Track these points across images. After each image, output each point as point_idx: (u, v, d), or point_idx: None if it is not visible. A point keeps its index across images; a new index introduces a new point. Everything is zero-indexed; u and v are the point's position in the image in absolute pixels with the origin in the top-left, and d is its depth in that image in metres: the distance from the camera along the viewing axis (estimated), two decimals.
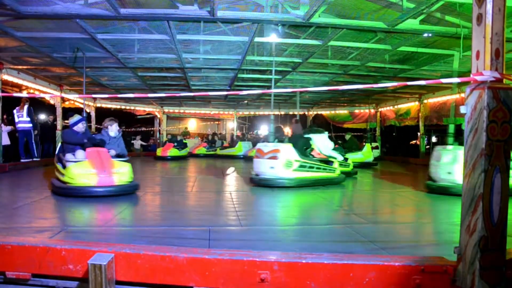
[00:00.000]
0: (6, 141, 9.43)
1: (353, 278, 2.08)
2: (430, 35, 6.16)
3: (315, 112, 18.88)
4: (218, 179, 7.83)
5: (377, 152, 14.21)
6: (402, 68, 8.94)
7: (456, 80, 2.29)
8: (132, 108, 17.37)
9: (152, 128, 19.90)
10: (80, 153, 5.51)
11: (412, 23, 5.56)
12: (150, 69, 9.57)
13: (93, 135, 6.09)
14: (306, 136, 7.34)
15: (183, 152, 14.47)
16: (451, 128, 6.28)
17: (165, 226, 3.69)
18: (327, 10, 5.46)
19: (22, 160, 9.60)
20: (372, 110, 16.66)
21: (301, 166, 6.36)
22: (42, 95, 10.57)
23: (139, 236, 3.27)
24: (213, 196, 5.86)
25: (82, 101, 14.19)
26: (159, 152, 13.88)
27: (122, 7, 5.21)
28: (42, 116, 14.70)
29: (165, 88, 12.72)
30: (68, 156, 5.47)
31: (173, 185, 7.12)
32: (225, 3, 5.31)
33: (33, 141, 9.73)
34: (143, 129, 19.08)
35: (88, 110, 15.03)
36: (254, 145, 15.33)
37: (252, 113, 20.37)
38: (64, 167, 5.35)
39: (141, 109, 17.78)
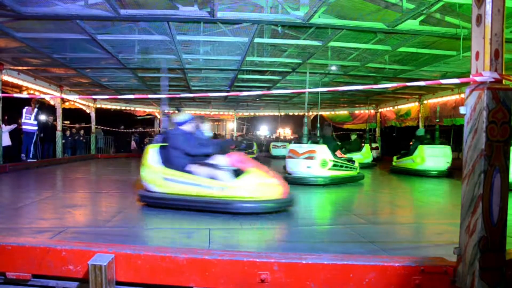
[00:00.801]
0: (7, 141, 9.43)
1: (353, 279, 2.08)
2: None
3: (315, 113, 18.86)
4: None
5: (377, 153, 14.22)
6: (402, 69, 8.93)
7: (455, 81, 2.30)
8: (132, 108, 17.37)
9: (152, 129, 19.90)
10: (221, 158, 4.47)
11: (412, 24, 5.56)
12: (150, 69, 9.57)
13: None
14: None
15: None
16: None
17: (165, 226, 3.70)
18: (327, 11, 5.46)
19: (29, 160, 9.90)
20: (372, 111, 16.67)
21: (334, 165, 7.03)
22: (42, 95, 10.57)
23: (139, 236, 3.27)
24: None
25: (82, 101, 14.25)
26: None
27: (122, 8, 5.21)
28: (42, 117, 14.71)
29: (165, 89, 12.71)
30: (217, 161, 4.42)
31: None
32: (225, 4, 5.31)
33: (33, 143, 9.97)
34: (140, 129, 18.87)
35: (88, 111, 15.06)
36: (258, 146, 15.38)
37: (252, 114, 20.36)
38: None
39: (141, 109, 17.78)
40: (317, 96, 11.52)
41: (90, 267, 2.08)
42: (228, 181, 4.12)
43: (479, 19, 1.97)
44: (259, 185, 4.11)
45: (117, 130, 17.36)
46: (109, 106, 16.13)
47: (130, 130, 18.78)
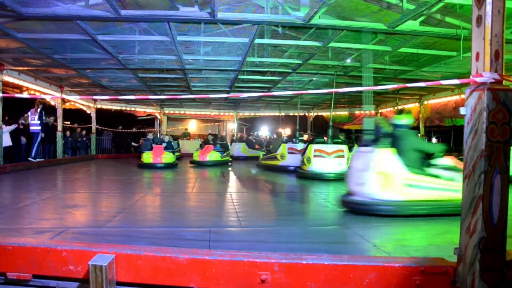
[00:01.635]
0: (7, 142, 9.45)
1: (353, 279, 2.08)
2: None
3: (315, 114, 18.88)
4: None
5: None
6: (402, 70, 8.93)
7: (456, 81, 2.30)
8: (133, 109, 17.36)
9: (152, 129, 19.90)
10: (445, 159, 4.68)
11: (412, 25, 5.56)
12: (150, 70, 9.58)
13: None
14: None
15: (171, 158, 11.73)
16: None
17: (166, 227, 3.70)
18: (327, 11, 5.46)
19: (38, 160, 10.24)
20: (373, 111, 16.66)
21: None
22: (42, 96, 10.58)
23: (140, 237, 3.27)
24: (213, 197, 5.86)
25: (83, 102, 14.26)
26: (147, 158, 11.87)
27: (122, 8, 5.22)
28: (45, 117, 14.72)
29: (166, 89, 12.71)
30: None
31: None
32: (226, 5, 5.31)
33: (37, 143, 10.18)
34: (134, 130, 18.61)
35: (89, 112, 15.06)
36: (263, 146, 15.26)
37: (252, 114, 20.36)
38: None
39: (142, 110, 17.77)
40: (318, 96, 11.54)
41: (90, 267, 2.08)
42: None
43: (479, 20, 1.97)
44: None
45: (116, 130, 17.34)
46: (109, 107, 16.13)
47: (129, 131, 18.79)
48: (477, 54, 2.00)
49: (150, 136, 12.86)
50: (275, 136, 12.75)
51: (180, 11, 5.26)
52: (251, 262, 2.12)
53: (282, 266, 2.11)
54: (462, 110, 2.05)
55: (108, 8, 5.03)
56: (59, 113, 12.09)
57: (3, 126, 9.13)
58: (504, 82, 1.98)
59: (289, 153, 10.10)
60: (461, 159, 5.54)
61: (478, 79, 1.96)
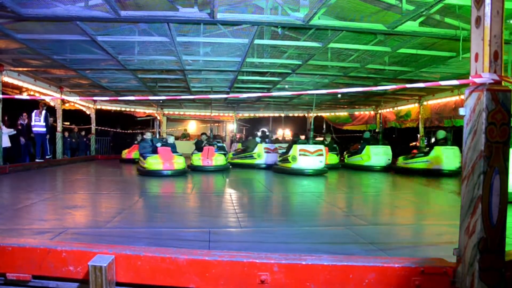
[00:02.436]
0: (6, 143, 9.45)
1: (352, 280, 2.08)
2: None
3: (315, 114, 18.88)
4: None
5: None
6: (402, 70, 8.94)
7: (455, 82, 2.30)
8: (132, 110, 17.36)
9: (150, 129, 19.89)
10: None
11: (411, 25, 5.56)
12: (150, 71, 9.58)
13: None
14: None
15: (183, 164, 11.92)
16: None
17: (166, 227, 3.70)
18: (327, 12, 5.47)
19: (47, 157, 10.83)
20: (372, 112, 16.68)
21: None
22: (42, 97, 10.59)
23: (140, 237, 3.27)
24: (213, 197, 5.86)
25: (82, 103, 14.25)
26: (124, 154, 12.64)
27: (122, 9, 5.22)
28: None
29: (165, 90, 12.71)
30: None
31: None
32: (225, 5, 5.32)
33: (47, 143, 10.79)
34: (130, 131, 18.54)
35: (88, 112, 15.07)
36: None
37: (252, 115, 20.35)
38: None
39: (141, 111, 17.77)
40: (317, 97, 11.67)
41: (90, 268, 2.08)
42: None
43: (479, 20, 1.98)
44: None
45: (114, 130, 17.35)
46: (109, 107, 16.13)
47: (128, 131, 18.78)
48: (476, 55, 2.00)
49: (148, 136, 10.81)
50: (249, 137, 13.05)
51: (180, 12, 5.26)
52: (250, 262, 2.13)
53: (282, 266, 2.11)
54: (461, 111, 2.05)
55: (108, 9, 5.03)
56: (59, 114, 12.09)
57: (3, 128, 9.14)
58: (503, 83, 1.98)
59: (265, 152, 11.49)
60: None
61: (477, 80, 1.96)
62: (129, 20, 5.66)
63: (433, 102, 12.75)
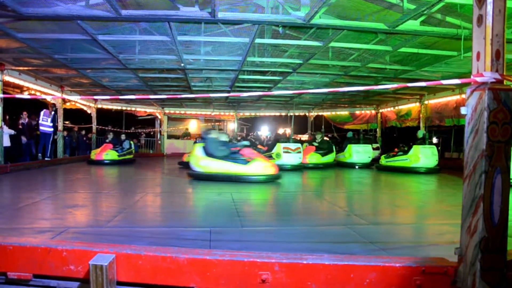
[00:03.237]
0: (6, 142, 9.47)
1: (353, 279, 2.08)
2: None
3: (316, 113, 18.88)
4: None
5: (377, 153, 14.24)
6: (403, 69, 8.93)
7: (456, 81, 2.30)
8: (133, 109, 17.38)
9: (153, 130, 19.90)
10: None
11: (412, 24, 5.55)
12: (151, 70, 9.58)
13: None
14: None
15: (126, 156, 12.40)
16: None
17: (166, 226, 3.70)
18: (328, 11, 5.46)
19: (46, 159, 10.90)
20: (373, 111, 16.66)
21: None
22: (43, 96, 10.60)
23: (140, 236, 3.27)
24: (214, 197, 5.86)
25: (83, 102, 14.26)
26: (93, 154, 11.95)
27: (123, 8, 5.22)
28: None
29: (166, 89, 12.72)
30: None
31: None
32: (226, 5, 5.32)
33: (50, 144, 11.00)
34: (124, 129, 18.40)
35: (89, 112, 15.08)
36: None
37: (253, 114, 20.36)
38: None
39: (142, 110, 17.78)
40: (318, 96, 11.73)
41: (91, 267, 2.08)
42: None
43: (480, 19, 1.97)
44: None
45: (115, 130, 17.34)
46: (110, 107, 16.13)
47: (128, 131, 18.75)
48: (478, 54, 1.99)
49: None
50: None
51: (181, 11, 5.25)
52: (251, 262, 2.12)
53: (283, 266, 2.11)
54: (463, 110, 2.04)
55: (109, 8, 5.03)
56: (60, 113, 12.09)
57: (5, 128, 9.15)
58: (505, 82, 1.97)
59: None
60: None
61: (479, 79, 1.95)
62: (130, 19, 5.66)
63: (434, 101, 12.74)
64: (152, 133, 20.59)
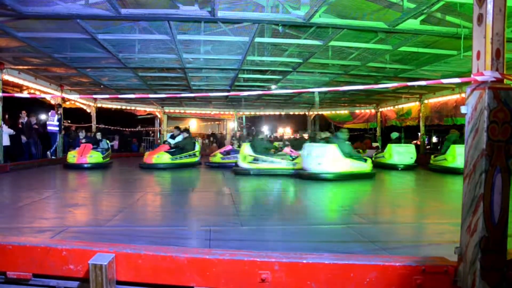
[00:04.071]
0: (6, 142, 9.46)
1: (353, 278, 2.08)
2: None
3: (315, 112, 18.88)
4: None
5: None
6: (403, 68, 8.93)
7: (456, 80, 2.29)
8: (133, 108, 17.35)
9: (152, 129, 19.89)
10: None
11: (412, 23, 5.55)
12: (150, 69, 9.57)
13: None
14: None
15: (107, 158, 10.56)
16: None
17: (166, 226, 3.70)
18: (327, 10, 5.46)
19: (52, 157, 11.52)
20: (373, 110, 16.66)
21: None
22: (43, 95, 10.58)
23: (140, 236, 3.27)
24: (214, 196, 5.86)
25: (83, 101, 14.24)
26: (72, 157, 9.70)
27: (122, 7, 5.21)
28: (43, 117, 14.71)
29: (166, 88, 12.71)
30: None
31: None
32: (226, 3, 5.31)
33: (55, 143, 11.70)
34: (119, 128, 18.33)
35: (89, 111, 15.07)
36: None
37: (253, 113, 20.35)
38: None
39: (142, 109, 17.75)
40: (318, 95, 11.68)
41: (90, 266, 2.08)
42: None
43: (481, 18, 1.97)
44: None
45: (114, 128, 17.34)
46: (109, 106, 16.11)
47: (128, 130, 18.73)
48: (478, 53, 1.99)
49: (81, 134, 11.31)
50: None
51: (180, 10, 5.25)
52: (251, 261, 2.12)
53: (283, 265, 2.11)
54: (463, 109, 2.04)
55: (108, 7, 5.02)
56: (59, 112, 12.08)
57: (4, 128, 9.14)
58: (505, 81, 1.97)
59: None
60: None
61: (479, 78, 1.95)
62: (129, 18, 5.65)
63: (433, 101, 12.74)
64: (151, 132, 20.58)
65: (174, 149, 10.47)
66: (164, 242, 3.08)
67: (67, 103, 13.54)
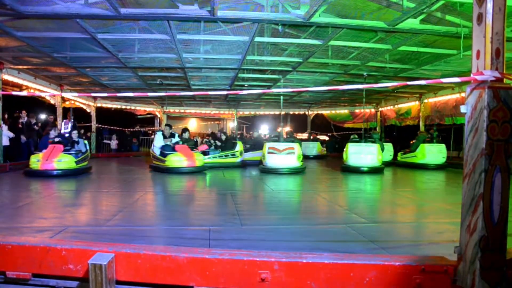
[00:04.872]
0: (5, 142, 9.45)
1: (353, 278, 2.08)
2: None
3: (315, 112, 18.87)
4: None
5: None
6: (403, 68, 8.93)
7: (456, 79, 2.29)
8: (133, 108, 17.35)
9: (152, 129, 19.88)
10: None
11: (412, 23, 5.55)
12: (150, 69, 9.57)
13: None
14: None
15: (83, 163, 8.51)
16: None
17: (166, 225, 3.70)
18: (327, 9, 5.46)
19: None
20: (373, 110, 16.66)
21: None
22: (42, 94, 10.58)
23: (140, 235, 3.27)
24: (214, 196, 5.86)
25: (83, 100, 14.23)
26: (35, 162, 7.72)
27: (122, 6, 5.21)
28: (43, 116, 14.72)
29: (166, 88, 12.71)
30: None
31: None
32: (226, 3, 5.31)
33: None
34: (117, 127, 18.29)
35: (89, 110, 15.06)
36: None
37: (252, 113, 20.34)
38: None
39: (142, 109, 17.75)
40: (318, 94, 11.64)
41: (90, 266, 2.08)
42: None
43: (480, 17, 1.96)
44: None
45: (114, 128, 17.33)
46: (109, 105, 16.11)
47: (128, 129, 18.72)
48: (478, 52, 1.99)
49: (53, 133, 9.23)
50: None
51: (180, 9, 5.25)
52: (251, 260, 2.12)
53: (282, 264, 2.11)
54: (463, 108, 2.04)
55: (108, 7, 5.02)
56: (59, 112, 12.08)
57: (4, 128, 9.13)
58: (505, 80, 1.97)
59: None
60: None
61: (479, 77, 1.95)
62: (129, 18, 5.65)
63: (433, 100, 12.74)
64: (151, 132, 20.57)
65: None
66: (163, 241, 3.08)
67: (67, 102, 13.53)
